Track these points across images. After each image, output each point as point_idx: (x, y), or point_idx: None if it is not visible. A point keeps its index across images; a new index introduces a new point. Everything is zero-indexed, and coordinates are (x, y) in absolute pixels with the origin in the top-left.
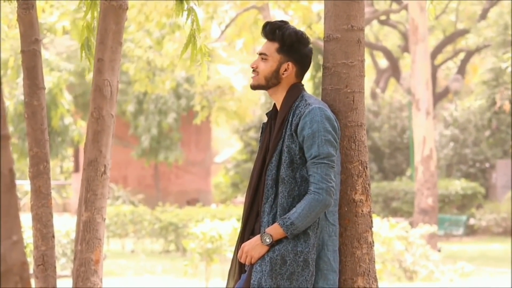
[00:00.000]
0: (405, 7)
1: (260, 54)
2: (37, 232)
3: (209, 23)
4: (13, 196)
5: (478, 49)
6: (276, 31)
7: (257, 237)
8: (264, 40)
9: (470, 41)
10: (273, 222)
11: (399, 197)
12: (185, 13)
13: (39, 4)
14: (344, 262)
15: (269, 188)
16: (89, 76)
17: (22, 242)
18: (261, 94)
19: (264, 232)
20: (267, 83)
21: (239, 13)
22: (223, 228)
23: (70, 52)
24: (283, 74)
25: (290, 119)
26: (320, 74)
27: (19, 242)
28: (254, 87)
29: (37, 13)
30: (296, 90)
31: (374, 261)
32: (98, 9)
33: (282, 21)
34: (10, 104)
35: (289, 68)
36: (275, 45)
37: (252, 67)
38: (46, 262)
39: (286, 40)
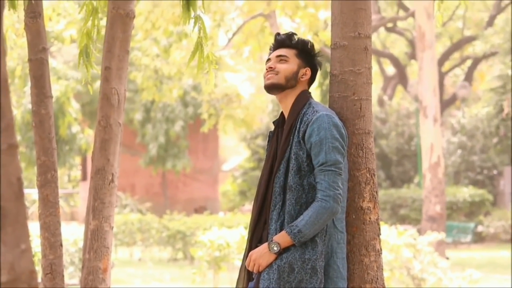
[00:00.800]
0: (412, 14)
1: (279, 56)
2: (45, 241)
3: (216, 31)
4: (21, 205)
5: (485, 56)
6: (293, 38)
7: (265, 245)
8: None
9: (477, 48)
10: (281, 229)
11: (407, 205)
12: (192, 21)
13: (46, 13)
14: (352, 269)
15: (277, 196)
16: (89, 84)
17: (30, 251)
18: (269, 102)
19: (272, 240)
20: (286, 83)
21: (246, 20)
22: (230, 236)
23: (77, 61)
24: (301, 77)
25: (297, 126)
26: (327, 81)
27: (27, 251)
28: (273, 85)
29: (44, 21)
30: (303, 98)
31: (382, 269)
32: (99, 17)
33: (292, 32)
34: (17, 113)
35: (306, 74)
36: (293, 51)
37: (270, 67)
38: (54, 271)
39: (304, 47)
